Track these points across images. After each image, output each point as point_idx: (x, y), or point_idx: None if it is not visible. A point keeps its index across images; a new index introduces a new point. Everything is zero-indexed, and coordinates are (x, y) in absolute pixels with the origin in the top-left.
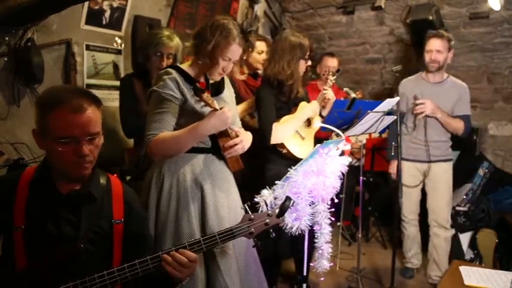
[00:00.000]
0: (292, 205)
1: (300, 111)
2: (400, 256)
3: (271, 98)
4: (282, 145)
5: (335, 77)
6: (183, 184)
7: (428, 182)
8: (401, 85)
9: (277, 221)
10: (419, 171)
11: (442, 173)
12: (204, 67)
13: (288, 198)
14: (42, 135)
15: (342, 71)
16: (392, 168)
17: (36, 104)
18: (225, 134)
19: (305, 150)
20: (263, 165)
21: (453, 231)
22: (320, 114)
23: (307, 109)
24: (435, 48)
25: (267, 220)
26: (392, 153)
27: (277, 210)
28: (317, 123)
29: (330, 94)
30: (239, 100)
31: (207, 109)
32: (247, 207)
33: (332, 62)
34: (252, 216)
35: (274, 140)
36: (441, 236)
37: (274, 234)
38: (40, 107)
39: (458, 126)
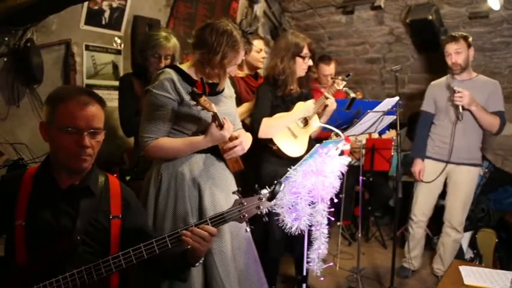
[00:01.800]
0: (283, 189)
1: (293, 110)
2: (400, 256)
3: (268, 95)
4: (272, 141)
5: (345, 83)
6: (181, 183)
7: (450, 183)
8: (430, 87)
9: (269, 204)
10: (441, 170)
11: (466, 178)
12: (210, 74)
13: (278, 183)
14: (48, 126)
15: (351, 75)
16: (416, 167)
17: (47, 99)
18: None
19: (295, 149)
20: (259, 164)
21: (463, 235)
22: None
23: (301, 108)
24: (453, 51)
25: (259, 204)
26: (414, 151)
27: (268, 194)
28: (316, 123)
29: (331, 101)
30: (240, 101)
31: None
32: (238, 193)
33: (329, 70)
34: (243, 200)
35: (262, 133)
36: (451, 236)
37: (267, 219)
38: (50, 101)
39: (494, 121)
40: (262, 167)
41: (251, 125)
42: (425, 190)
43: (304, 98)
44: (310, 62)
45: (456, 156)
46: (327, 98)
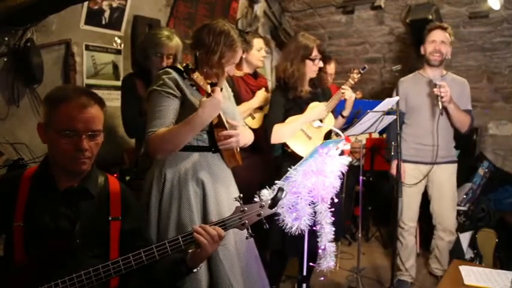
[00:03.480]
0: (285, 196)
1: (305, 112)
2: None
3: (280, 99)
4: (286, 144)
5: (359, 75)
6: (185, 183)
7: (433, 185)
8: (400, 83)
9: (270, 212)
10: (422, 173)
11: (447, 176)
12: (209, 74)
13: (280, 189)
14: (46, 128)
15: (362, 70)
16: (393, 169)
17: (45, 99)
18: (221, 125)
19: (310, 150)
20: (280, 164)
21: (456, 234)
22: (341, 115)
23: (313, 111)
24: (440, 39)
25: (260, 211)
26: (392, 153)
27: (269, 201)
28: (316, 123)
29: (348, 94)
30: (239, 100)
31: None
32: (239, 199)
33: (329, 70)
34: (244, 207)
35: (274, 139)
36: (445, 239)
37: (268, 226)
38: (49, 102)
39: (466, 120)
40: (283, 166)
41: (264, 131)
42: (409, 195)
43: (320, 97)
44: (321, 64)
45: (437, 156)
46: (343, 92)
